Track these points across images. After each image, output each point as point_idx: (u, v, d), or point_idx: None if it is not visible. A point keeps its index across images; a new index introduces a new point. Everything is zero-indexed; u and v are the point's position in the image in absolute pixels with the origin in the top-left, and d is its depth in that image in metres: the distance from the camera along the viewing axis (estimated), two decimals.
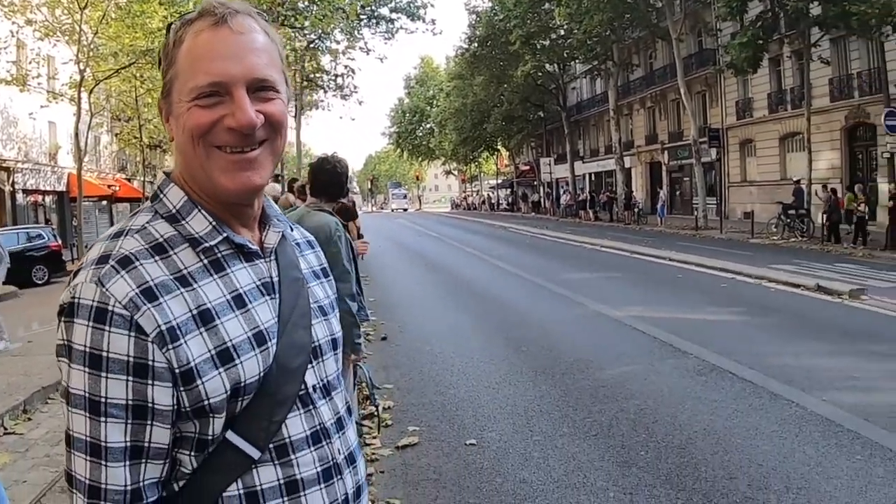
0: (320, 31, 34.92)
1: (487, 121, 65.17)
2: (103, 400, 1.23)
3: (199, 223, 1.37)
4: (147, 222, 1.36)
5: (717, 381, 8.26)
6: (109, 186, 39.62)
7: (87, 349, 1.23)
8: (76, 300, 1.25)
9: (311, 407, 1.43)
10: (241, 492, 1.33)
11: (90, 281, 1.25)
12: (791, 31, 31.16)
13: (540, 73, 56.69)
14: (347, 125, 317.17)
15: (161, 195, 1.40)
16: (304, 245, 1.62)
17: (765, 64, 33.06)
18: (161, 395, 1.26)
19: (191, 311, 1.29)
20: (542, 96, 62.75)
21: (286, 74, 1.44)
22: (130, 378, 1.24)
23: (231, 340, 1.32)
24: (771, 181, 38.40)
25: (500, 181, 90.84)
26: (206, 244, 1.36)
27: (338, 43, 40.67)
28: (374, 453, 6.18)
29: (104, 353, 1.23)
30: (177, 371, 1.26)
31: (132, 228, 1.34)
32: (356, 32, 39.73)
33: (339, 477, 1.45)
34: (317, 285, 1.57)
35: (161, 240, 1.33)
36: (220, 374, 1.29)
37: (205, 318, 1.30)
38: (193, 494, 1.32)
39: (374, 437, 6.51)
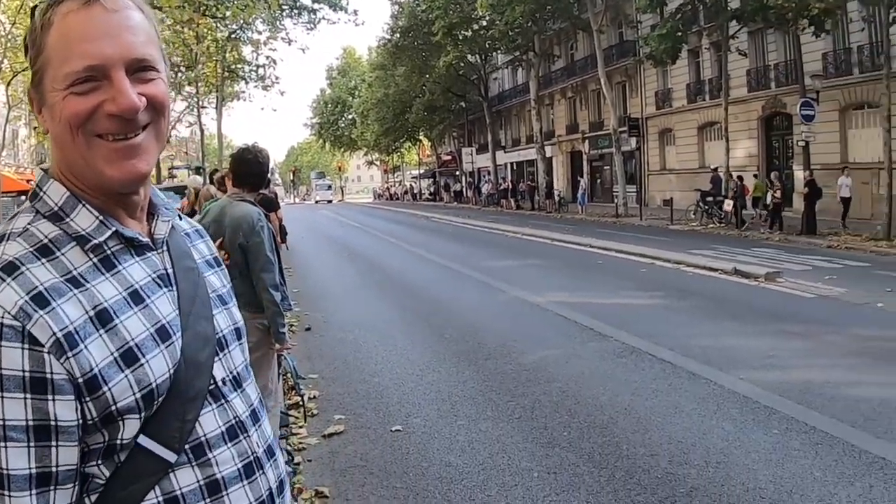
0: (242, 21, 34.49)
1: (409, 111, 65.10)
2: (1, 423, 1.11)
3: (84, 219, 1.27)
4: (29, 223, 1.25)
5: (637, 362, 8.47)
6: (28, 181, 38.41)
7: None
8: None
9: (223, 401, 1.36)
10: (161, 499, 1.25)
11: None
12: (710, 23, 31.99)
13: (462, 64, 56.79)
14: (269, 116, 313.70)
15: (41, 193, 1.29)
16: (193, 235, 1.53)
17: (684, 55, 33.90)
18: (64, 411, 1.15)
19: (87, 312, 1.19)
20: (464, 87, 62.88)
21: (164, 52, 1.36)
22: (28, 395, 1.12)
23: (133, 339, 1.22)
24: (689, 169, 39.33)
25: (422, 171, 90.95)
26: (95, 241, 1.26)
27: (259, 33, 40.23)
28: (300, 442, 6.18)
29: None
30: (79, 380, 1.16)
31: (13, 232, 1.24)
32: (278, 23, 39.35)
33: (260, 472, 1.39)
34: (212, 274, 1.50)
35: (46, 241, 1.23)
36: (126, 376, 1.20)
37: (103, 318, 1.20)
38: None
39: (301, 427, 6.52)
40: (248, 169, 5.34)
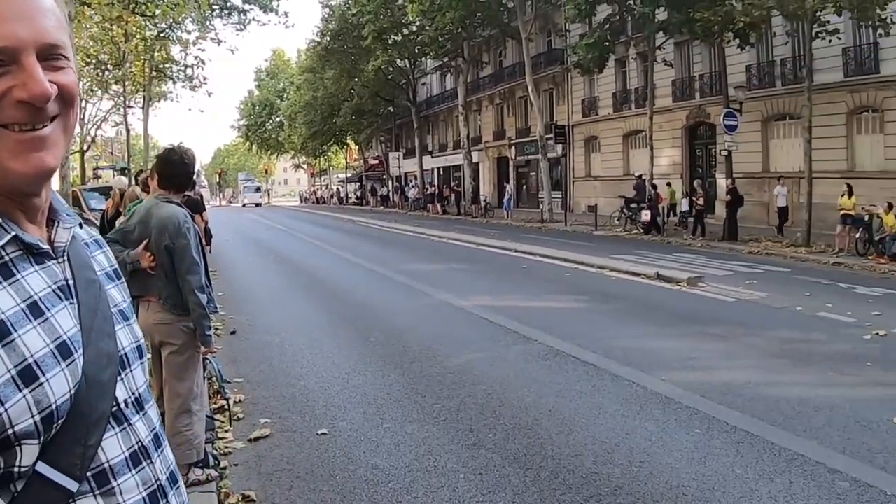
0: (171, 20, 33.92)
1: (337, 115, 64.77)
2: None
3: None
4: None
5: (561, 364, 8.62)
6: None
7: None
8: None
9: (125, 424, 1.23)
10: None
11: None
12: (637, 34, 32.63)
13: (391, 69, 56.81)
14: (196, 117, 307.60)
15: None
16: (92, 245, 1.39)
17: (611, 65, 34.65)
18: None
19: None
20: (392, 91, 62.93)
21: (73, 40, 1.28)
22: None
23: (32, 356, 1.08)
24: (614, 176, 40.02)
25: (349, 175, 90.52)
26: None
27: (189, 33, 39.63)
28: (226, 446, 6.15)
29: None
30: None
31: None
32: (208, 23, 38.82)
33: (164, 500, 1.28)
34: (113, 288, 1.35)
35: None
36: (24, 397, 1.06)
37: None
38: None
39: (227, 431, 6.49)
40: (174, 170, 5.29)
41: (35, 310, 1.13)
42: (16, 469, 1.07)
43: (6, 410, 1.04)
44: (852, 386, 7.80)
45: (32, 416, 1.07)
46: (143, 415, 1.29)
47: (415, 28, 49.13)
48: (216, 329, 10.18)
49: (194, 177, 5.80)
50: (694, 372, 8.31)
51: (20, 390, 1.06)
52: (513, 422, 6.67)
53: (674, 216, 30.06)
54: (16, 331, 1.08)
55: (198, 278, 5.09)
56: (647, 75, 32.91)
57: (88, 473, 1.15)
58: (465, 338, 10.28)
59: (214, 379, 6.79)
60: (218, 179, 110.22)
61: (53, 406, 1.09)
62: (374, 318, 12.00)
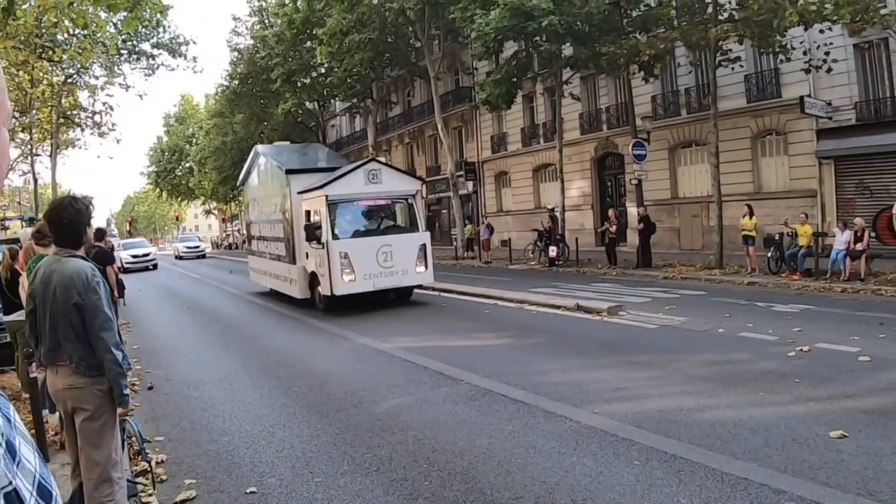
0: (79, 65, 33.23)
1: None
2: None
3: None
4: None
5: (490, 404, 8.50)
6: None
7: None
8: None
9: None
10: None
11: None
12: (544, 69, 33.11)
13: (300, 111, 56.64)
14: (105, 164, 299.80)
15: None
16: None
17: (518, 100, 35.11)
18: None
19: None
20: (302, 133, 62.52)
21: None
22: None
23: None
24: (526, 210, 40.49)
25: None
26: None
27: (97, 78, 38.90)
28: None
29: None
30: None
31: None
32: (116, 67, 38.18)
33: None
34: None
35: None
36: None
37: None
38: None
39: (151, 495, 6.14)
40: (54, 228, 4.93)
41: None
42: None
43: None
44: (784, 404, 7.87)
45: None
46: None
47: (323, 70, 49.09)
48: (133, 385, 9.82)
49: (105, 226, 5.50)
50: (626, 402, 8.28)
51: None
52: (447, 467, 6.51)
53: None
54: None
55: (112, 334, 4.83)
56: (554, 110, 33.49)
57: None
58: (389, 382, 10.10)
59: (134, 439, 6.47)
60: (129, 228, 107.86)
61: None
62: (295, 367, 11.73)
